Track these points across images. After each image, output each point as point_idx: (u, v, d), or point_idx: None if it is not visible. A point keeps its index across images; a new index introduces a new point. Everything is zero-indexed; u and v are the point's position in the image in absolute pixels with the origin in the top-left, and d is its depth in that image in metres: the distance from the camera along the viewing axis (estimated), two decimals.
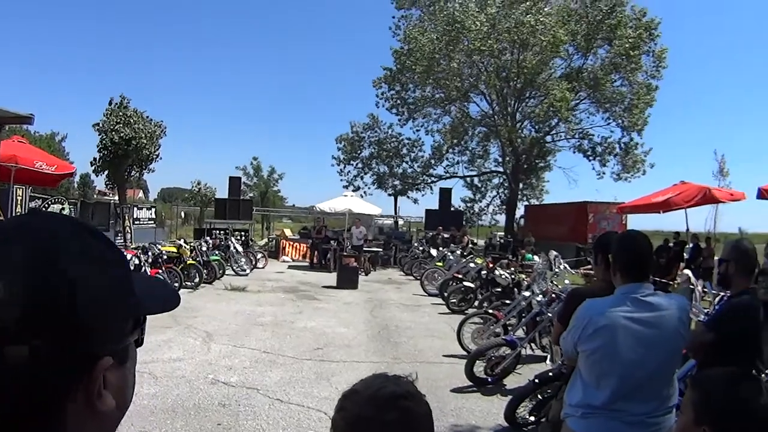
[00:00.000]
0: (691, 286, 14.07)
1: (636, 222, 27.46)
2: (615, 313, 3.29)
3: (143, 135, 31.07)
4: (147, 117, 32.23)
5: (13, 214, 17.54)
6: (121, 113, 31.19)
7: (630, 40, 32.44)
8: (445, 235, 27.98)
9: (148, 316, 1.04)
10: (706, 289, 14.30)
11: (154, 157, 33.02)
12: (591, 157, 38.31)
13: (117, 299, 0.91)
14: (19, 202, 18.41)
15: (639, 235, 3.56)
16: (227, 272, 21.42)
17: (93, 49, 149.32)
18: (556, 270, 11.14)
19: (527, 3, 32.32)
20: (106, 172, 32.52)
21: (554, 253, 11.69)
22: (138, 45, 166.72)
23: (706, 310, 10.39)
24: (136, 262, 15.19)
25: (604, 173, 38.03)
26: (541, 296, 9.58)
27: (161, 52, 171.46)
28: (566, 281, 10.80)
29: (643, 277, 3.40)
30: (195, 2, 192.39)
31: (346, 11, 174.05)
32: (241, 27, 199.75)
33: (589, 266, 15.16)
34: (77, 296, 0.83)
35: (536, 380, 6.51)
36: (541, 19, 31.45)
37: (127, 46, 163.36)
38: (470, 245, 25.92)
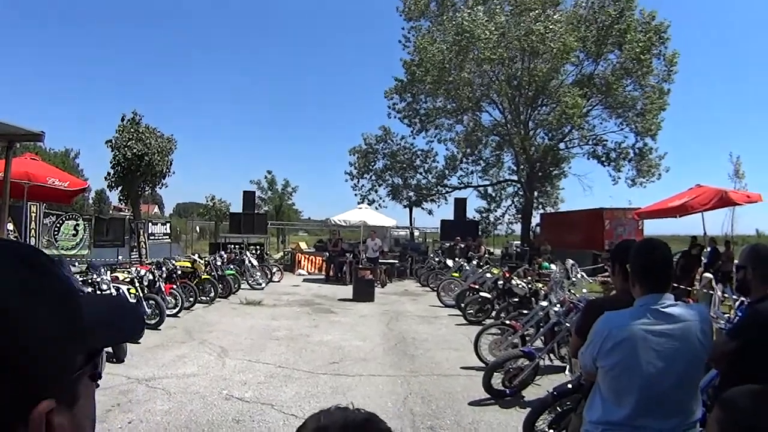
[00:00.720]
0: (710, 291, 13.90)
1: (652, 227, 27.20)
2: (634, 327, 3.19)
3: (155, 150, 31.18)
4: (158, 132, 32.37)
5: (27, 231, 17.65)
6: (133, 129, 31.34)
7: (640, 44, 32.32)
8: (462, 246, 27.89)
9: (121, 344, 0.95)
10: (726, 294, 14.13)
11: (167, 172, 33.13)
12: (605, 163, 38.17)
13: (57, 335, 0.82)
14: (33, 219, 18.51)
15: (658, 244, 3.44)
16: (242, 286, 21.34)
17: (105, 67, 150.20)
18: (573, 279, 11.02)
19: (536, 11, 32.25)
20: (120, 188, 32.68)
21: (571, 261, 11.57)
22: (150, 60, 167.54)
23: (726, 316, 10.23)
24: (150, 277, 15.14)
25: (619, 179, 37.93)
26: (558, 306, 9.46)
27: (174, 67, 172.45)
28: (584, 290, 10.69)
29: (663, 288, 3.29)
30: (207, 19, 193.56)
31: (357, 22, 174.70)
32: (253, 42, 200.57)
33: (607, 274, 15.04)
34: (8, 333, 0.75)
35: (555, 393, 6.38)
36: (551, 27, 31.39)
37: (139, 61, 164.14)
38: (486, 255, 25.86)
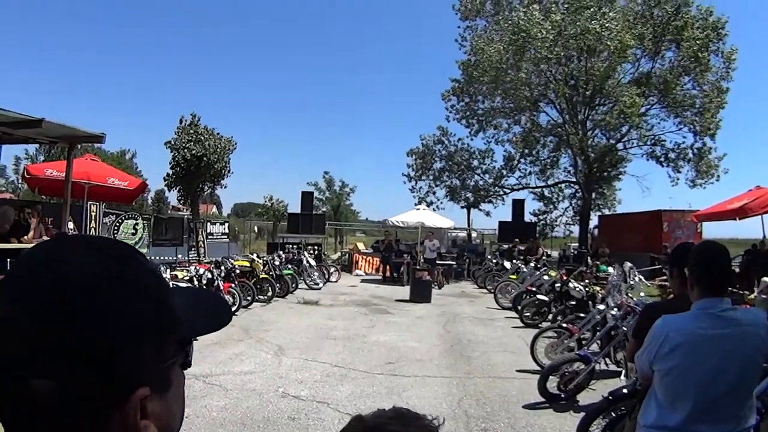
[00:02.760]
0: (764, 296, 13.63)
1: (711, 230, 26.68)
2: (692, 330, 3.16)
3: (214, 151, 31.58)
4: (217, 134, 32.77)
5: (87, 230, 18.03)
6: (191, 131, 31.79)
7: (698, 41, 31.60)
8: (521, 248, 27.75)
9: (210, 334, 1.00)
10: None
11: (226, 172, 33.53)
12: (664, 164, 37.43)
13: (152, 325, 0.86)
14: (93, 218, 18.88)
15: (716, 247, 3.40)
16: (300, 286, 21.58)
17: (164, 69, 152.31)
18: (631, 282, 10.91)
19: (592, 9, 31.81)
20: (178, 188, 33.18)
21: (629, 264, 11.45)
22: (208, 62, 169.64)
23: None
24: (209, 276, 15.35)
25: (678, 180, 37.09)
26: (615, 309, 9.36)
27: (232, 68, 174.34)
28: (642, 293, 10.58)
29: (722, 292, 3.25)
30: (265, 18, 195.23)
31: (414, 22, 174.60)
32: (313, 41, 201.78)
33: (665, 277, 14.83)
34: (105, 324, 0.80)
35: (610, 397, 6.32)
36: (607, 25, 30.91)
37: (197, 63, 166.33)
38: (544, 257, 25.68)
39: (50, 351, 0.76)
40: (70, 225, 15.11)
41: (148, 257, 0.99)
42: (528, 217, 38.23)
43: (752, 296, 14.89)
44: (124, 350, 0.81)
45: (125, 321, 0.82)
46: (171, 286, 1.01)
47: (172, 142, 31.86)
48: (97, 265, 0.84)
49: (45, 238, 12.74)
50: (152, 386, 0.85)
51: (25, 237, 12.23)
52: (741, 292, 16.12)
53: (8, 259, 9.03)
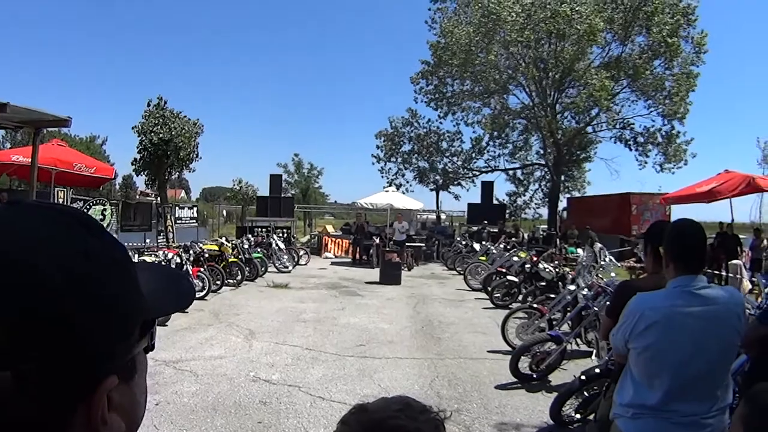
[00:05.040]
0: (738, 276, 13.79)
1: (680, 213, 26.95)
2: (668, 308, 3.16)
3: (181, 135, 31.38)
4: (184, 116, 32.55)
5: None
6: (158, 114, 31.58)
7: (667, 27, 31.86)
8: (492, 230, 27.84)
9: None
10: (755, 280, 13.99)
11: (194, 156, 33.33)
12: (633, 147, 37.82)
13: (121, 305, 0.77)
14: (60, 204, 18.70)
15: (692, 225, 3.38)
16: (269, 269, 21.48)
17: (129, 50, 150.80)
18: (602, 263, 10.96)
19: None
20: (146, 173, 32.94)
21: (599, 245, 11.54)
22: (174, 44, 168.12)
23: (758, 304, 10.12)
24: (178, 260, 15.23)
25: (646, 163, 37.53)
26: (586, 290, 9.40)
27: (198, 51, 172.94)
28: (612, 274, 10.62)
29: (697, 269, 3.24)
30: (227, 3, 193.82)
31: (384, 5, 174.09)
32: (278, 23, 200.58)
33: (634, 258, 14.94)
34: (68, 308, 0.69)
35: (582, 377, 6.36)
36: (577, 8, 31.10)
37: (163, 45, 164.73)
38: (525, 240, 25.98)
39: (6, 339, 0.66)
40: None
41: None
42: (502, 198, 38.51)
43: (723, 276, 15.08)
44: (88, 335, 0.71)
45: (92, 300, 0.72)
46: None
47: (140, 126, 31.61)
48: (55, 235, 0.75)
49: None
50: (119, 374, 0.77)
51: None
52: (712, 272, 16.33)
53: None
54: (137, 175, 36.33)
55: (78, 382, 0.71)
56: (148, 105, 32.41)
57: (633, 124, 37.30)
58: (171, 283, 0.97)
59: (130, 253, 0.87)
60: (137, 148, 31.87)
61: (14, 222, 0.75)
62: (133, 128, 31.83)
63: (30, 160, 13.64)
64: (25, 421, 0.68)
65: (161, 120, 31.38)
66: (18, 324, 0.66)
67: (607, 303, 5.80)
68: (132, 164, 32.90)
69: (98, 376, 0.73)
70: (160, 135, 30.84)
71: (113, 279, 0.77)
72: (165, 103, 32.72)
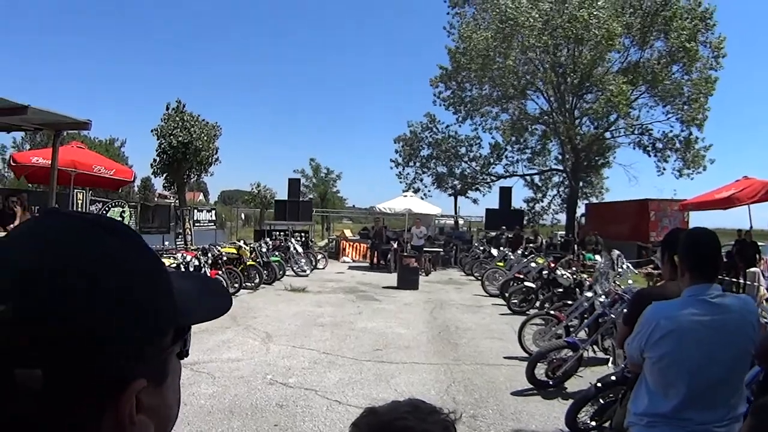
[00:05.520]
0: (756, 284, 13.69)
1: (698, 219, 26.74)
2: (683, 317, 3.16)
3: (200, 138, 31.53)
4: (202, 120, 32.70)
5: None
6: (177, 117, 31.75)
7: (686, 32, 31.60)
8: (509, 235, 27.81)
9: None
10: None
11: (213, 160, 33.49)
12: (651, 153, 37.50)
13: (153, 311, 0.80)
14: (79, 206, 18.87)
15: (707, 233, 3.39)
16: (287, 273, 21.64)
17: (149, 55, 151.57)
18: (620, 270, 10.93)
19: None
20: (165, 175, 33.13)
21: (617, 252, 11.46)
22: (193, 49, 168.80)
23: None
24: (196, 263, 15.32)
25: (664, 169, 37.12)
26: (603, 297, 9.39)
27: (217, 55, 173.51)
28: (630, 281, 10.60)
29: (711, 278, 3.25)
30: (250, 4, 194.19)
31: (403, 10, 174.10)
32: (298, 29, 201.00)
33: (652, 266, 14.87)
34: (101, 311, 0.73)
35: (598, 384, 6.35)
36: (595, 13, 30.88)
37: (182, 49, 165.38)
38: (543, 245, 25.91)
39: (36, 338, 0.69)
40: None
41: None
42: (519, 204, 38.36)
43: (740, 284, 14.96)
44: (118, 338, 0.75)
45: (119, 306, 0.75)
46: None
47: (159, 129, 31.80)
48: (86, 243, 0.78)
49: None
50: (148, 377, 0.79)
51: (11, 225, 12.20)
52: (730, 279, 16.21)
53: None
54: (156, 178, 36.71)
55: (106, 383, 0.74)
56: (167, 108, 32.61)
57: (651, 129, 37.05)
58: (208, 292, 1.00)
59: (162, 261, 0.89)
60: (156, 150, 32.09)
61: (47, 231, 0.79)
62: (152, 131, 32.08)
63: (49, 162, 13.76)
64: (55, 418, 0.71)
65: (180, 123, 31.55)
66: (47, 326, 0.70)
67: (624, 311, 5.80)
68: (151, 166, 33.16)
69: (126, 378, 0.76)
70: (179, 138, 31.02)
71: (143, 287, 0.80)
72: (184, 106, 32.93)
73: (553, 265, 15.84)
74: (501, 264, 21.03)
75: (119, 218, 19.82)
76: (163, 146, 31.51)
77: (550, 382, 8.63)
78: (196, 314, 0.91)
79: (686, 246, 3.37)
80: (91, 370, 0.72)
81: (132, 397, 0.77)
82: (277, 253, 21.77)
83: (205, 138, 32.16)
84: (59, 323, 0.70)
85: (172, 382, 0.88)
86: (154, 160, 32.60)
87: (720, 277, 3.49)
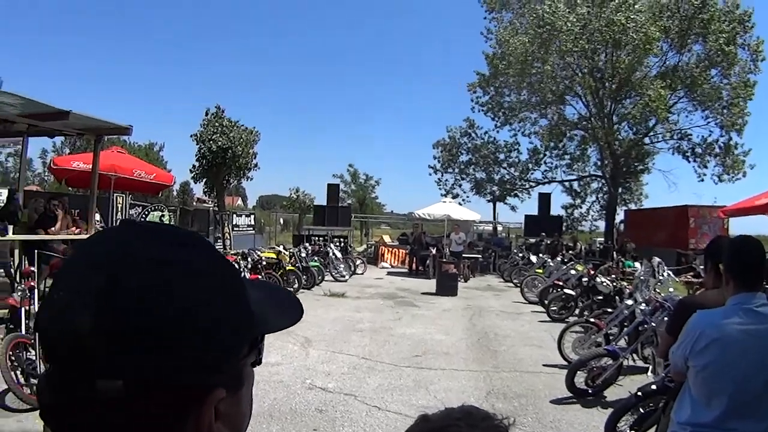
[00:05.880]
0: None
1: (738, 226, 26.18)
2: (727, 326, 3.13)
3: (238, 143, 31.80)
4: (241, 125, 32.98)
5: (114, 221, 18.21)
6: (216, 123, 32.06)
7: (724, 35, 31.15)
8: (548, 242, 27.68)
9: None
10: None
11: (251, 165, 33.75)
12: (690, 159, 36.96)
13: (231, 321, 0.82)
14: (119, 210, 19.12)
15: (752, 241, 3.36)
16: (326, 278, 21.72)
17: (189, 58, 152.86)
18: (660, 277, 10.84)
19: (617, 1, 31.43)
20: (204, 180, 33.44)
21: (657, 259, 11.39)
22: (232, 55, 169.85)
23: None
24: (236, 267, 15.48)
25: (704, 175, 36.53)
26: (644, 305, 9.31)
27: (258, 59, 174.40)
28: (670, 289, 10.50)
29: (756, 286, 3.22)
30: (288, 10, 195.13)
31: (441, 16, 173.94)
32: (336, 34, 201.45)
33: (692, 273, 14.71)
34: (182, 323, 0.75)
35: (639, 393, 6.29)
36: (632, 17, 30.60)
37: (221, 56, 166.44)
38: (582, 252, 25.73)
39: (119, 349, 0.71)
40: (97, 216, 15.28)
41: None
42: (557, 211, 38.05)
43: None
44: (199, 349, 0.76)
45: (204, 317, 0.77)
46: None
47: (198, 135, 32.13)
48: (170, 255, 0.80)
49: (72, 229, 12.94)
50: (226, 387, 0.81)
51: (52, 228, 12.44)
52: None
53: (35, 250, 9.11)
54: (195, 183, 37.00)
55: (188, 393, 0.76)
56: (206, 114, 32.94)
57: (691, 134, 36.57)
58: (279, 301, 1.01)
59: (239, 271, 0.92)
60: (196, 155, 32.43)
61: (126, 242, 0.80)
62: (191, 136, 32.43)
63: (89, 166, 13.99)
64: (137, 427, 0.73)
65: (219, 128, 31.86)
66: (132, 338, 0.72)
67: (665, 319, 5.75)
68: (190, 171, 33.55)
69: (207, 388, 0.78)
70: (219, 143, 31.31)
71: (223, 298, 0.82)
72: (223, 111, 33.24)
73: (592, 272, 15.75)
74: (540, 271, 20.87)
75: (158, 222, 20.10)
76: (202, 151, 31.83)
77: (590, 391, 8.58)
78: (272, 323, 0.93)
79: (731, 254, 3.36)
80: (172, 381, 0.75)
81: (212, 407, 0.79)
82: (316, 258, 21.90)
83: (244, 143, 32.42)
84: (140, 335, 0.72)
85: (246, 390, 0.89)
86: (194, 166, 32.96)
87: (766, 285, 3.45)
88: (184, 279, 0.78)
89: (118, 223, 0.96)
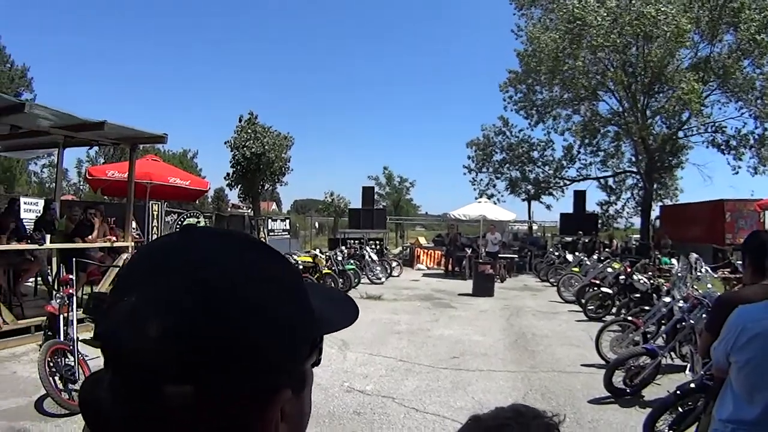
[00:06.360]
0: None
1: None
2: None
3: (272, 149, 31.97)
4: (274, 131, 33.16)
5: (150, 228, 18.40)
6: (250, 129, 32.29)
7: (755, 23, 30.49)
8: (585, 240, 27.54)
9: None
10: None
11: (285, 169, 33.93)
12: (725, 151, 36.36)
13: (296, 323, 0.82)
14: (154, 217, 19.33)
15: None
16: (363, 281, 21.76)
17: (221, 65, 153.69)
18: (698, 274, 10.75)
19: None
20: (239, 186, 33.69)
21: (695, 255, 11.28)
22: (265, 59, 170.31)
23: None
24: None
25: (739, 168, 35.96)
26: (682, 302, 9.24)
27: (289, 66, 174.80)
28: (708, 285, 10.40)
29: None
30: (320, 17, 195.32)
31: (472, 15, 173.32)
32: (366, 38, 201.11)
33: (729, 269, 14.56)
34: (251, 326, 0.76)
35: (678, 392, 6.27)
36: (663, 9, 30.25)
37: (253, 61, 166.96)
38: (618, 249, 25.55)
39: (189, 353, 0.72)
40: (133, 224, 15.49)
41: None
42: (592, 208, 37.79)
43: None
44: (270, 350, 0.78)
45: (271, 320, 0.78)
46: None
47: (232, 141, 32.41)
48: (239, 260, 0.81)
49: (109, 237, 13.16)
50: (291, 387, 0.83)
51: (89, 237, 12.68)
52: None
53: (73, 258, 9.29)
54: (230, 189, 37.31)
55: (256, 395, 0.78)
56: (240, 120, 33.20)
57: (725, 127, 36.06)
58: (336, 301, 1.02)
59: (301, 274, 0.93)
60: (230, 162, 32.74)
61: (195, 249, 0.82)
62: (225, 143, 32.81)
63: (124, 175, 14.22)
64: (207, 430, 0.75)
65: (253, 135, 32.10)
66: (203, 341, 0.73)
67: (704, 317, 5.73)
68: (225, 178, 33.90)
69: (274, 390, 0.80)
70: (253, 149, 31.53)
71: (288, 300, 0.83)
72: (256, 117, 33.49)
73: (629, 269, 15.65)
74: (576, 270, 20.75)
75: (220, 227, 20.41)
76: (236, 158, 32.10)
77: (628, 390, 8.54)
78: (331, 323, 0.93)
79: None
80: (242, 384, 0.76)
81: (278, 408, 0.81)
82: (352, 261, 21.98)
83: (278, 148, 32.62)
84: (212, 340, 0.73)
85: (308, 391, 0.91)
86: (228, 174, 33.26)
87: None
88: (257, 283, 0.80)
89: (178, 229, 0.96)
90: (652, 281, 14.09)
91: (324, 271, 18.72)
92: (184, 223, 20.74)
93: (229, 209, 59.42)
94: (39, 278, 13.14)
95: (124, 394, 0.75)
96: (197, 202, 29.14)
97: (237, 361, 0.74)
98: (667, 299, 9.98)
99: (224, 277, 0.77)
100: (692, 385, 6.25)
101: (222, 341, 0.74)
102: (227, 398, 0.75)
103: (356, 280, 20.73)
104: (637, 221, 40.46)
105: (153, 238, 15.79)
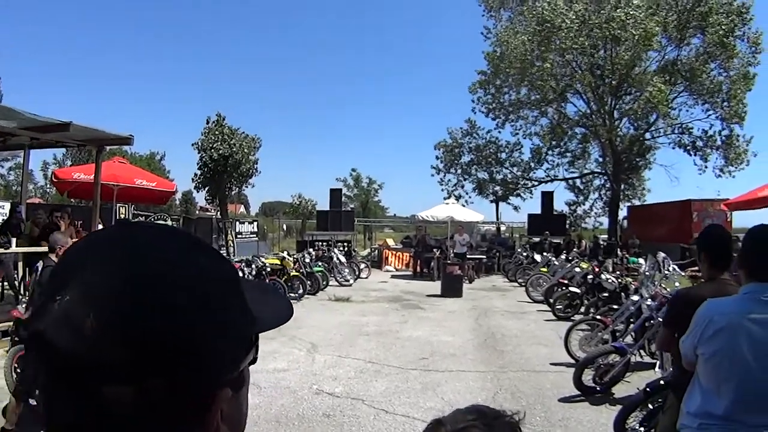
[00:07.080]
0: None
1: (742, 219, 26.06)
2: (737, 314, 3.11)
3: (239, 151, 31.88)
4: (242, 133, 33.05)
5: None
6: (217, 131, 32.17)
7: (723, 27, 31.15)
8: (554, 241, 27.68)
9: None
10: None
11: (253, 171, 33.81)
12: (692, 152, 36.85)
13: (236, 321, 0.80)
14: None
15: (765, 230, 3.36)
16: (331, 283, 21.65)
17: (188, 66, 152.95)
18: (666, 272, 10.81)
19: None
20: (206, 188, 33.53)
21: (662, 254, 11.35)
22: (232, 60, 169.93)
23: None
24: (240, 275, 15.48)
25: (705, 168, 36.48)
26: (650, 300, 9.30)
27: (255, 67, 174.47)
28: (676, 284, 10.45)
29: None
30: (286, 18, 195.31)
31: (439, 16, 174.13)
32: (335, 38, 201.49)
33: (695, 268, 14.69)
34: (190, 323, 0.73)
35: (647, 389, 6.27)
36: (631, 13, 30.71)
37: (220, 61, 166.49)
38: (587, 250, 25.70)
39: (127, 354, 0.68)
40: (100, 227, 15.32)
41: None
42: (561, 208, 38.10)
43: None
44: (211, 348, 0.75)
45: (211, 317, 0.76)
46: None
47: (199, 143, 32.25)
48: (178, 255, 0.79)
49: (76, 240, 12.98)
50: (231, 387, 0.81)
51: None
52: None
53: (39, 262, 9.17)
54: (197, 191, 37.24)
55: (199, 395, 0.75)
56: (207, 122, 33.04)
57: (692, 128, 36.56)
58: (271, 299, 0.99)
59: (237, 270, 0.91)
60: (197, 164, 32.58)
61: (134, 243, 0.78)
62: (192, 145, 32.63)
63: (91, 177, 14.03)
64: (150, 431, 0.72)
65: (220, 136, 31.97)
66: (145, 341, 0.69)
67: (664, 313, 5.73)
68: (192, 180, 33.78)
69: (216, 389, 0.78)
70: (220, 151, 31.40)
71: (229, 297, 0.80)
72: (224, 119, 33.34)
73: (597, 269, 15.74)
74: (545, 270, 20.87)
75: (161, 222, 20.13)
76: (204, 160, 31.96)
77: (598, 388, 8.57)
78: (266, 321, 0.90)
79: (747, 243, 3.35)
80: (184, 384, 0.73)
81: (219, 407, 0.78)
82: (320, 264, 21.86)
83: (245, 150, 32.50)
84: (153, 339, 0.70)
85: (245, 389, 0.89)
86: (195, 174, 33.08)
87: None
88: (197, 279, 0.77)
89: (116, 224, 0.91)
90: (620, 280, 14.18)
91: (292, 274, 18.62)
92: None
93: (197, 212, 59.21)
94: (5, 282, 12.96)
95: (68, 399, 0.71)
96: (165, 204, 28.95)
97: (177, 359, 0.72)
98: (636, 298, 10.07)
99: (163, 271, 0.75)
100: (662, 382, 6.25)
101: (161, 337, 0.71)
102: (169, 399, 0.72)
103: (324, 283, 20.64)
104: (605, 221, 40.85)
105: None
